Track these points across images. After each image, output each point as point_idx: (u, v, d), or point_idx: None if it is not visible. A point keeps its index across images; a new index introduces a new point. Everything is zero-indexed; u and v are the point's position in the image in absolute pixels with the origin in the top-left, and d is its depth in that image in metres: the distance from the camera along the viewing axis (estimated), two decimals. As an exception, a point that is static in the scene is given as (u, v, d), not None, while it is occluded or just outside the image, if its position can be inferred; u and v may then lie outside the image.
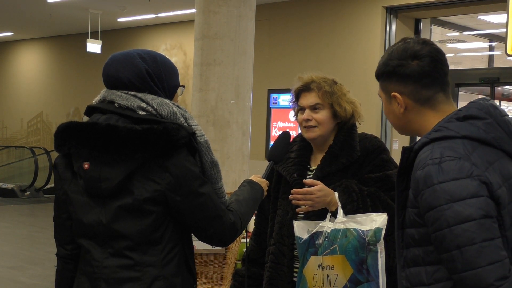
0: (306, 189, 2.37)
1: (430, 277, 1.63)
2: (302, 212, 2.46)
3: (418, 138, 1.77)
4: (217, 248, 3.53)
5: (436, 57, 1.73)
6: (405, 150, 1.71)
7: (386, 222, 2.26)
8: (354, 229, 2.27)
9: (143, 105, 1.92)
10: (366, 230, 2.25)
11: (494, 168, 1.60)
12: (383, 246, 2.26)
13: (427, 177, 1.58)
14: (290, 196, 2.39)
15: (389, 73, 1.76)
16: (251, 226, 2.92)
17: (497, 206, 1.57)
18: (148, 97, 1.94)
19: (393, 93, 1.76)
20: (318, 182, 2.38)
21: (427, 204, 1.58)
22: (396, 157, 2.72)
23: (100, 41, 13.17)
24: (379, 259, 2.24)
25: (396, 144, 9.61)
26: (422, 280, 1.65)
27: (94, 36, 13.38)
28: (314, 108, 2.46)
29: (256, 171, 3.21)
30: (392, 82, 1.76)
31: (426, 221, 1.60)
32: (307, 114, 2.47)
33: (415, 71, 1.72)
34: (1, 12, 13.49)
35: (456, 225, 1.52)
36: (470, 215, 1.52)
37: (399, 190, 1.73)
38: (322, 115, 2.46)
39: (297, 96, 2.54)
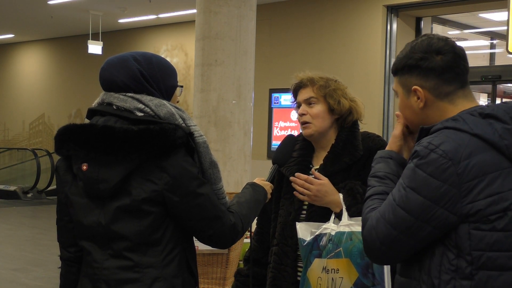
0: (308, 176, 2.36)
1: None
2: (304, 213, 2.45)
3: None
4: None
5: (460, 53, 1.75)
6: (422, 130, 1.72)
7: None
8: (359, 232, 2.22)
9: (141, 106, 1.92)
10: None
11: (490, 180, 1.57)
12: None
13: (415, 155, 1.64)
14: (291, 178, 2.38)
15: (411, 66, 1.75)
16: (254, 226, 2.91)
17: None
18: (146, 98, 1.94)
19: (414, 87, 1.74)
20: (324, 178, 2.37)
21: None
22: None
23: (101, 43, 13.17)
24: None
25: (398, 143, 9.57)
26: None
27: (95, 37, 13.38)
28: (309, 102, 2.47)
29: (258, 171, 3.21)
30: (414, 76, 1.75)
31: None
32: (302, 108, 2.48)
33: (438, 65, 1.72)
34: (2, 14, 13.50)
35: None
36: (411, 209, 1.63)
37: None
38: (317, 109, 2.45)
39: (295, 95, 2.54)
